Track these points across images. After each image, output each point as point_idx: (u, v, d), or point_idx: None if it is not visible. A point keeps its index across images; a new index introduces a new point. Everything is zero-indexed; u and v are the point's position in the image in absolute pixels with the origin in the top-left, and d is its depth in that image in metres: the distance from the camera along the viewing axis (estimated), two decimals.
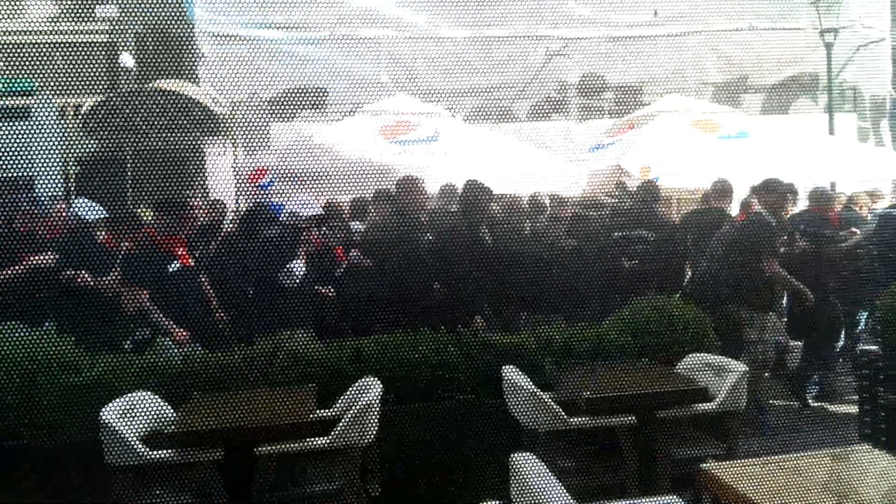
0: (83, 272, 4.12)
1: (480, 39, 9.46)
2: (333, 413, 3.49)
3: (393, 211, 4.87)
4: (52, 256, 4.16)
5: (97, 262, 4.27)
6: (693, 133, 6.95)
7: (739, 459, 2.87)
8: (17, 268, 4.10)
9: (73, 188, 6.67)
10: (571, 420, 3.38)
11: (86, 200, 4.66)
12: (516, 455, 2.44)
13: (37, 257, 4.13)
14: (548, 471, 2.30)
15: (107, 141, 7.22)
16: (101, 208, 4.55)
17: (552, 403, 3.40)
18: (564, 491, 2.17)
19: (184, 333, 4.18)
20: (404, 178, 4.85)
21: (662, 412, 3.43)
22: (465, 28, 9.46)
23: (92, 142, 7.18)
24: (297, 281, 4.44)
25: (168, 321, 4.20)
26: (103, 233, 4.61)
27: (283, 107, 8.17)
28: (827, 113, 8.95)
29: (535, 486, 2.22)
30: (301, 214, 4.82)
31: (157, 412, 3.41)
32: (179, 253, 4.48)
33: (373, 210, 5.41)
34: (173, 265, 4.43)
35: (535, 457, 2.41)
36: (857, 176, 7.36)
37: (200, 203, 5.33)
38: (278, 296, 4.39)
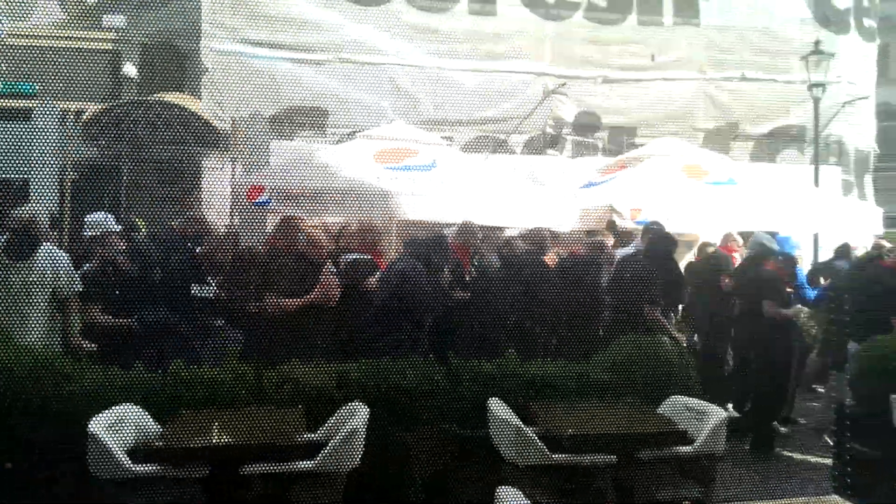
0: None
1: (480, 73, 9.65)
2: (320, 436, 3.51)
3: None
4: None
5: None
6: (682, 178, 7.10)
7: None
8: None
9: (68, 192, 6.68)
10: (554, 456, 3.43)
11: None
12: (503, 488, 2.47)
13: None
14: None
15: (106, 148, 7.25)
16: None
17: (535, 438, 3.46)
18: None
19: None
20: None
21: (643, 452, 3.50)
22: (466, 60, 9.67)
23: (91, 148, 7.21)
24: None
25: None
26: None
27: (283, 125, 8.26)
28: (812, 164, 9.17)
29: None
30: None
31: (143, 426, 3.41)
32: None
33: None
34: None
35: (519, 492, 2.45)
36: (840, 227, 7.56)
37: None
38: None
